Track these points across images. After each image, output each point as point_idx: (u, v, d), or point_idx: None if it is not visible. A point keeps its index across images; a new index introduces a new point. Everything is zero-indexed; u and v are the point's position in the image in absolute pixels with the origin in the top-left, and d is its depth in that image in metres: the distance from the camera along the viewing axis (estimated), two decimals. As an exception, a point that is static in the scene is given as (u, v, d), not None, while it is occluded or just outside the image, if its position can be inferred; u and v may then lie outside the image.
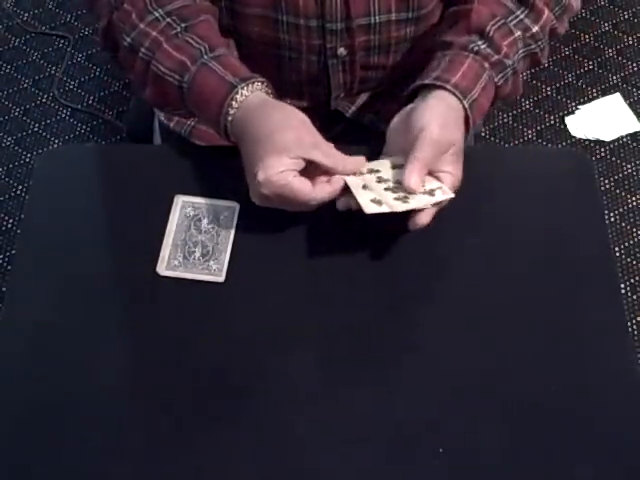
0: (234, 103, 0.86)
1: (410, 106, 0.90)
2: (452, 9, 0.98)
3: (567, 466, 0.79)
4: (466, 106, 0.89)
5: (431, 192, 0.86)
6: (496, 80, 0.93)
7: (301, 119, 0.86)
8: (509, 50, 0.94)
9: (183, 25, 0.90)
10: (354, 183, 0.86)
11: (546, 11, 0.97)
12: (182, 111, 0.94)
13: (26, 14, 2.11)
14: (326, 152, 0.85)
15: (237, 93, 0.86)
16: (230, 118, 0.86)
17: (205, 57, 0.88)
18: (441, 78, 0.90)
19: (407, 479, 0.79)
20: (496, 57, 0.93)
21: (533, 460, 0.79)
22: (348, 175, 0.86)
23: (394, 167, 0.89)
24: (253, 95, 0.86)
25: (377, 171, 0.89)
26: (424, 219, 0.85)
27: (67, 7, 2.13)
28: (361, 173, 0.88)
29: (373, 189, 0.86)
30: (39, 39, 2.08)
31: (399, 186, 0.86)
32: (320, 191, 0.84)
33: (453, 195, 0.86)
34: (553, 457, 0.79)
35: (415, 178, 0.84)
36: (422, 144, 0.85)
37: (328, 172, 0.86)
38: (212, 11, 0.95)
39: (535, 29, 0.96)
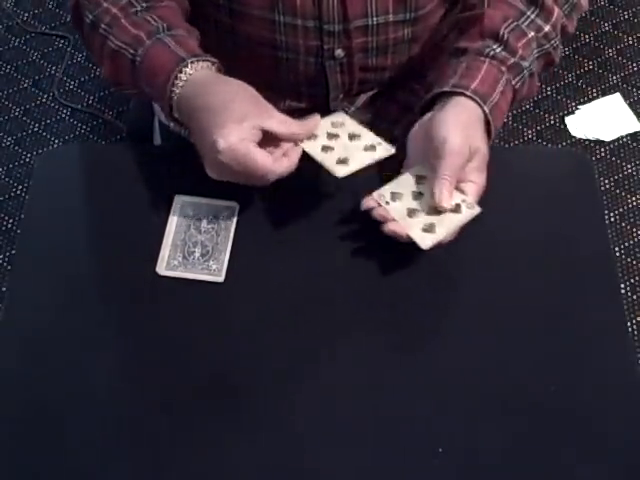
0: (182, 75, 0.85)
1: (429, 115, 0.90)
2: (461, 15, 0.98)
3: (567, 466, 0.79)
4: (487, 111, 0.89)
5: (456, 208, 0.85)
6: (514, 83, 0.93)
7: (253, 92, 0.85)
8: (525, 52, 0.94)
9: (144, 5, 0.91)
10: (312, 148, 0.86)
11: (556, 9, 0.96)
12: (134, 90, 0.94)
13: (26, 14, 2.11)
14: (281, 120, 0.84)
15: (186, 66, 0.85)
16: (177, 90, 0.85)
17: (161, 34, 0.88)
18: (460, 85, 0.89)
19: (407, 479, 0.79)
20: (513, 60, 0.93)
21: (533, 460, 0.79)
22: (304, 140, 0.86)
23: (418, 182, 0.88)
24: (202, 72, 0.86)
25: (337, 136, 0.89)
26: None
27: (67, 7, 2.12)
28: (315, 136, 0.88)
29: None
30: (39, 39, 2.08)
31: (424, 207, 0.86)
32: (279, 165, 0.83)
33: (479, 210, 0.85)
34: (553, 457, 0.79)
35: (446, 195, 0.84)
36: (447, 157, 0.84)
37: (281, 144, 0.85)
38: (179, 1, 0.95)
39: (547, 28, 0.96)
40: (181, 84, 0.85)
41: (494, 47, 0.93)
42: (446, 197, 0.84)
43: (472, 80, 0.90)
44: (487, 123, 0.89)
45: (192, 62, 0.85)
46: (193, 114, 0.85)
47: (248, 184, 0.85)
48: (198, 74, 0.86)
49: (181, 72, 0.85)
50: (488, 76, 0.91)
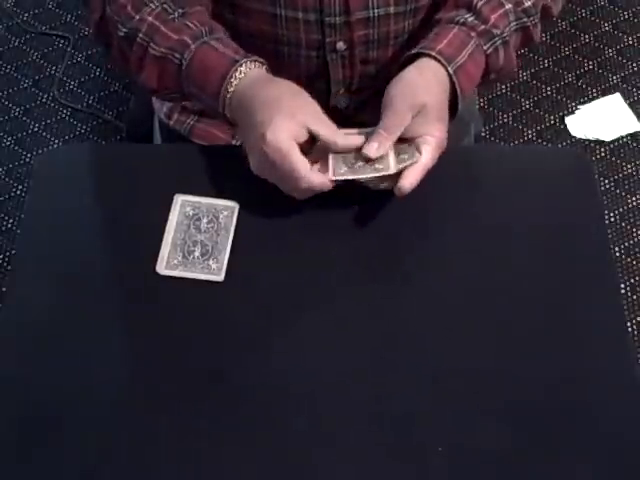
0: (237, 74, 0.88)
1: None
2: None
3: (567, 466, 0.79)
4: (451, 72, 0.90)
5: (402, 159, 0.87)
6: (485, 48, 0.94)
7: (303, 91, 0.88)
8: (498, 21, 0.95)
9: (180, 11, 0.92)
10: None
11: None
12: (177, 94, 0.95)
13: (26, 14, 2.11)
14: (328, 124, 0.87)
15: (241, 66, 0.88)
16: (232, 89, 0.88)
17: (205, 37, 0.90)
18: (426, 47, 0.92)
19: (406, 479, 0.79)
20: (483, 27, 0.94)
21: (533, 460, 0.79)
22: (340, 151, 0.87)
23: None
24: (255, 70, 0.89)
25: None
26: (407, 184, 0.86)
27: (67, 7, 2.13)
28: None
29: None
30: (39, 39, 2.08)
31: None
32: (316, 176, 0.85)
33: (416, 158, 0.87)
34: (553, 457, 0.79)
35: (373, 146, 0.86)
36: (385, 113, 0.87)
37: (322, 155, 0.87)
38: (206, 4, 0.97)
39: (527, 4, 0.97)
40: (236, 82, 0.88)
41: (465, 16, 0.95)
42: (373, 147, 0.86)
43: (438, 43, 0.92)
44: (453, 85, 0.91)
45: (246, 62, 0.88)
46: (245, 110, 0.87)
47: (285, 189, 0.87)
48: (251, 73, 0.88)
49: (237, 71, 0.88)
50: (455, 39, 0.93)
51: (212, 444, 0.79)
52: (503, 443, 0.80)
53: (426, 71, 0.91)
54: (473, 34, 0.94)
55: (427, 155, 0.88)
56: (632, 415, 0.82)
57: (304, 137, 0.85)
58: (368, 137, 0.88)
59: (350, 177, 0.86)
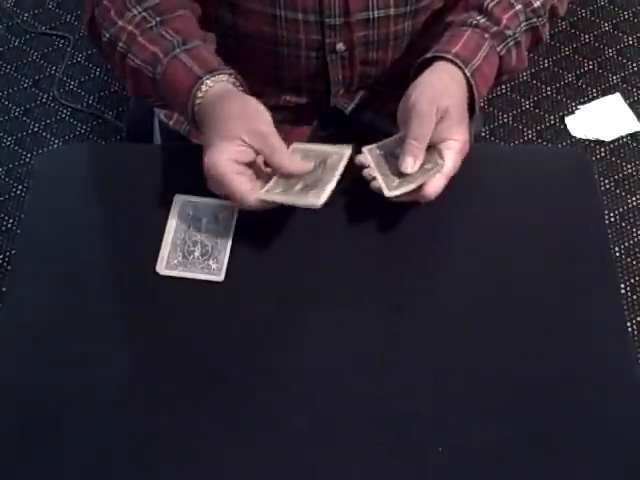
0: (198, 93, 0.87)
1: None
2: None
3: (567, 466, 0.79)
4: (468, 74, 0.90)
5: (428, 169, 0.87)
6: (498, 50, 0.94)
7: (258, 109, 0.86)
8: (509, 22, 0.95)
9: (158, 19, 0.92)
10: (275, 196, 0.85)
11: None
12: (159, 102, 0.97)
13: (26, 14, 2.11)
14: (272, 145, 0.85)
15: (202, 84, 0.87)
16: (196, 108, 0.88)
17: (177, 50, 0.90)
18: (442, 50, 0.92)
19: (406, 479, 0.79)
20: (496, 28, 0.94)
21: (533, 460, 0.79)
22: (287, 174, 0.85)
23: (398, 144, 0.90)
24: (218, 85, 0.88)
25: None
26: (431, 192, 0.86)
27: (67, 7, 2.13)
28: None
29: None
30: (39, 39, 2.08)
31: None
32: (253, 199, 0.84)
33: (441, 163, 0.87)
34: (553, 457, 0.79)
35: (409, 161, 0.86)
36: (413, 121, 0.86)
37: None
38: (192, 7, 0.96)
39: (537, 4, 0.97)
40: (198, 101, 0.88)
41: (477, 17, 0.95)
42: (410, 163, 0.86)
43: (454, 46, 0.92)
44: (469, 86, 0.91)
45: (207, 78, 0.87)
46: (202, 128, 0.87)
47: (235, 205, 0.87)
48: (212, 90, 0.88)
49: (198, 90, 0.87)
50: (470, 41, 0.93)
51: (212, 444, 0.79)
52: (503, 443, 0.80)
53: (444, 74, 0.91)
54: (487, 36, 0.94)
55: (450, 161, 0.87)
56: (632, 415, 0.82)
57: (248, 157, 0.84)
58: (320, 158, 0.87)
59: (280, 200, 0.84)
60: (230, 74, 0.89)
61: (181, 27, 0.93)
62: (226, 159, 0.83)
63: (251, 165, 0.85)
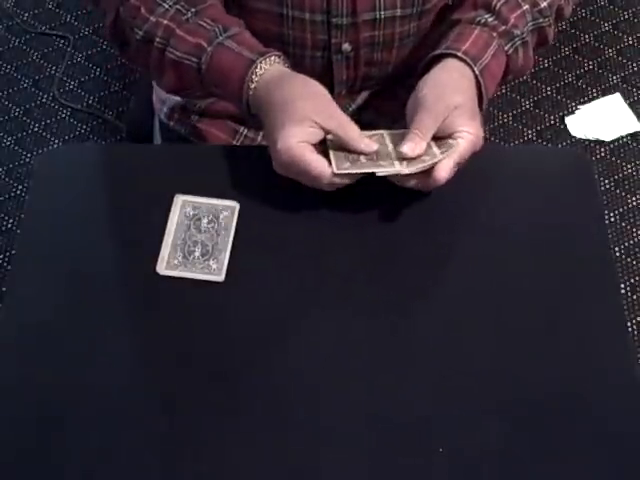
0: (254, 77, 0.88)
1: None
2: None
3: (567, 466, 0.79)
4: (477, 72, 0.91)
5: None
6: (506, 49, 0.95)
7: (321, 89, 0.88)
8: (517, 22, 0.95)
9: (193, 10, 0.92)
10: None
11: None
12: (199, 93, 0.97)
13: (26, 14, 2.11)
14: (342, 124, 0.87)
15: (257, 67, 0.88)
16: (251, 92, 0.88)
17: (220, 37, 0.90)
18: (451, 47, 0.92)
19: (407, 479, 0.79)
20: (504, 27, 0.95)
21: (533, 460, 0.79)
22: (359, 151, 0.87)
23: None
24: (272, 68, 0.89)
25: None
26: (442, 174, 0.85)
27: (67, 7, 2.13)
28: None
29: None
30: (39, 39, 2.08)
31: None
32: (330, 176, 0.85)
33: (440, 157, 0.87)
34: (553, 457, 0.79)
35: (410, 146, 0.86)
36: (419, 113, 0.87)
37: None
38: None
39: (543, 5, 0.98)
40: (253, 85, 0.88)
41: (485, 16, 0.95)
42: (410, 147, 0.86)
43: (463, 43, 0.92)
44: (479, 85, 0.91)
45: (261, 61, 0.88)
46: (263, 113, 0.88)
47: (311, 185, 0.87)
48: (268, 72, 0.88)
49: (253, 73, 0.88)
50: (479, 40, 0.93)
51: (212, 444, 0.79)
52: (503, 443, 0.80)
53: (454, 71, 0.91)
54: (495, 34, 0.94)
55: (462, 147, 0.87)
56: (632, 415, 0.82)
57: (318, 137, 0.85)
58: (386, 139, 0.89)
59: (354, 171, 0.86)
60: (279, 56, 0.90)
61: (217, 15, 0.93)
62: (299, 141, 0.84)
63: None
